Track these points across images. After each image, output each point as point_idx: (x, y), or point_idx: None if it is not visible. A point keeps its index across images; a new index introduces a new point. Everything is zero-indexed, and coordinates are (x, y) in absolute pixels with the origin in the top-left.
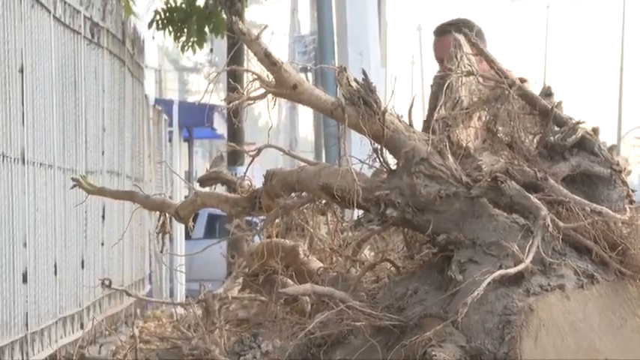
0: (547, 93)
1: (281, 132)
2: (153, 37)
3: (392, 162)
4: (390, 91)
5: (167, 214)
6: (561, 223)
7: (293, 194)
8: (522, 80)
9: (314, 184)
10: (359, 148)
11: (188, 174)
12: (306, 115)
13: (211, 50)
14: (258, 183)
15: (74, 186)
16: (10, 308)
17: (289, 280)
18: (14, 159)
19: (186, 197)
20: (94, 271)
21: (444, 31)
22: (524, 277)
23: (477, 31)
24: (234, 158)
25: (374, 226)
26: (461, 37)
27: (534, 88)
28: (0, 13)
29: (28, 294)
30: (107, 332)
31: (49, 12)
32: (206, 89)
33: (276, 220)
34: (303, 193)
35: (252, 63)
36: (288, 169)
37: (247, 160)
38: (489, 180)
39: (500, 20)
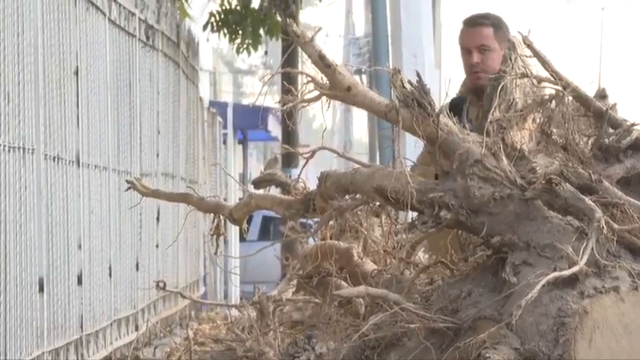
0: (602, 95)
1: (335, 134)
2: (207, 40)
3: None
4: (444, 92)
5: (221, 217)
6: (616, 225)
7: (347, 196)
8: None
9: (368, 186)
10: (413, 150)
11: (242, 176)
12: (360, 117)
13: (266, 52)
14: (312, 185)
15: (129, 188)
16: (65, 310)
17: (343, 282)
18: (69, 161)
19: (240, 199)
20: (149, 273)
21: (475, 23)
22: (579, 279)
23: (507, 30)
24: (289, 160)
25: (428, 228)
26: (515, 38)
27: (589, 90)
28: (55, 16)
29: (83, 296)
30: (162, 334)
31: (104, 14)
32: (260, 91)
33: (330, 222)
34: (357, 195)
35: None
36: (342, 171)
37: (301, 162)
38: (544, 182)
39: (555, 22)
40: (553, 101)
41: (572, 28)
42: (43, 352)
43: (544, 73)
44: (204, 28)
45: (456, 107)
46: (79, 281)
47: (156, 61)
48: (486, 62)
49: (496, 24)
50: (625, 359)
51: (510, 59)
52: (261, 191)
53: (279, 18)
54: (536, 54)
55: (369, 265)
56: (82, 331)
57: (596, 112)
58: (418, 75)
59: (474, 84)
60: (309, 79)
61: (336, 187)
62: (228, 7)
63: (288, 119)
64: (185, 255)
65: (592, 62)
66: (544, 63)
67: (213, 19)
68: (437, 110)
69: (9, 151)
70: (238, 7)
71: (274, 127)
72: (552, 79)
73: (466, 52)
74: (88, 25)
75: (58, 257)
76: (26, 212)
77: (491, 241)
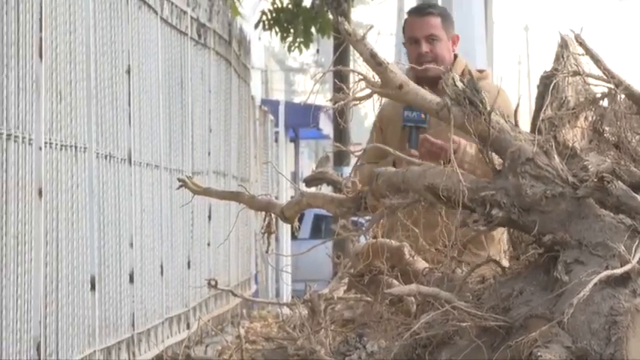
0: None
1: None
2: (259, 38)
3: (498, 162)
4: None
5: (273, 215)
6: None
7: (398, 194)
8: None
9: (419, 184)
10: None
11: (294, 174)
12: None
13: (317, 51)
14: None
15: (180, 186)
16: (117, 308)
17: (395, 281)
18: (121, 159)
19: (291, 198)
20: (200, 272)
21: (423, 13)
22: (631, 277)
23: (452, 21)
24: (340, 158)
25: (480, 226)
26: (567, 36)
27: None
28: (107, 15)
29: (134, 294)
30: (213, 332)
31: (156, 13)
32: (312, 89)
33: (382, 221)
34: (409, 194)
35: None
36: (394, 170)
37: (353, 160)
38: (596, 180)
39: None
40: (605, 99)
41: (624, 26)
42: (95, 351)
43: (596, 71)
44: (256, 26)
45: None
46: (131, 279)
47: (208, 59)
48: (435, 51)
49: (443, 14)
50: None
51: (562, 57)
52: (312, 189)
53: (330, 16)
54: (589, 52)
55: (421, 264)
56: (134, 329)
57: None
58: (470, 73)
59: (422, 75)
60: (361, 77)
61: (387, 185)
62: (280, 5)
63: (340, 117)
64: (237, 253)
65: None
66: (596, 61)
67: (264, 17)
68: (488, 108)
69: (61, 149)
70: (290, 6)
71: (326, 126)
72: (604, 77)
73: (414, 41)
74: (140, 23)
75: (110, 255)
76: (78, 211)
77: (543, 240)
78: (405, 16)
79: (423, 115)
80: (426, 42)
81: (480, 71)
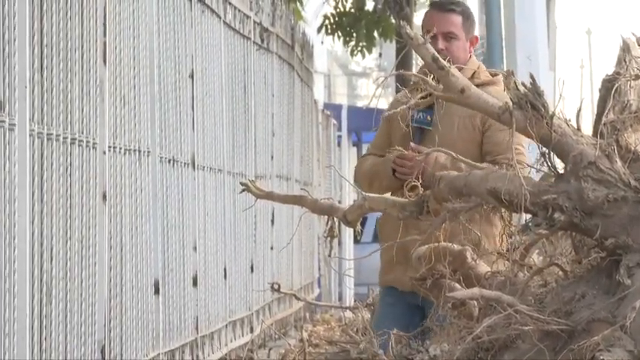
0: None
1: None
2: (322, 42)
3: (560, 166)
4: (558, 94)
5: (335, 219)
6: None
7: (460, 198)
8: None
9: (481, 188)
10: (527, 152)
11: None
12: None
13: (380, 55)
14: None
15: (243, 190)
16: (181, 312)
17: (457, 285)
18: (184, 163)
19: (354, 201)
20: (264, 275)
21: (446, 9)
22: None
23: (474, 22)
24: None
25: (542, 230)
26: (629, 40)
27: None
28: (171, 19)
29: (198, 298)
30: (276, 336)
31: (220, 17)
32: (374, 93)
33: (444, 225)
34: (471, 197)
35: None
36: (456, 173)
37: None
38: None
39: None
40: None
41: None
42: (159, 354)
43: None
44: (319, 30)
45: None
46: (195, 283)
47: (270, 63)
48: (451, 50)
49: (466, 13)
50: None
51: (624, 61)
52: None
53: (393, 20)
54: None
55: (483, 268)
56: (198, 332)
57: None
58: (532, 77)
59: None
60: (423, 81)
61: (449, 189)
62: (342, 9)
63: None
64: (299, 257)
65: None
66: None
67: (327, 21)
68: (551, 112)
69: (125, 153)
70: (353, 10)
71: None
72: None
73: (432, 36)
74: (204, 28)
75: (174, 259)
76: (142, 214)
77: (605, 243)
78: (428, 11)
79: (429, 118)
80: (443, 39)
81: (493, 74)
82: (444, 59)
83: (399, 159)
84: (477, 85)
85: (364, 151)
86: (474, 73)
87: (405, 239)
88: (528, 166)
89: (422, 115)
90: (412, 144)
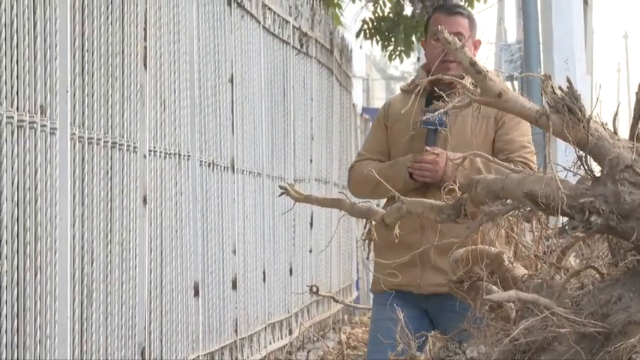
0: None
1: None
2: (360, 47)
3: (596, 169)
4: (595, 98)
5: (373, 222)
6: None
7: (498, 201)
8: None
9: (518, 191)
10: (564, 155)
11: None
12: None
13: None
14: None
15: (282, 194)
16: (220, 314)
17: (494, 287)
18: (224, 167)
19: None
20: (302, 278)
21: (453, 12)
22: None
23: (477, 26)
24: None
25: (578, 233)
26: None
27: None
28: (210, 25)
29: (237, 300)
30: (315, 338)
31: (259, 22)
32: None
33: (481, 227)
34: (508, 201)
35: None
36: (493, 177)
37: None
38: None
39: None
40: None
41: None
42: (199, 356)
43: None
44: (357, 35)
45: (438, 98)
46: (234, 286)
47: (309, 67)
48: None
49: (471, 17)
50: None
51: None
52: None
53: None
54: None
55: (520, 270)
56: (237, 334)
57: None
58: (569, 81)
59: (440, 74)
60: (461, 85)
61: (486, 192)
62: (381, 14)
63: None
64: (338, 260)
65: None
66: None
67: (366, 26)
68: (587, 116)
69: (165, 157)
70: (391, 15)
71: None
72: None
73: (436, 38)
74: (243, 32)
75: (214, 262)
76: (182, 218)
77: None
78: (435, 14)
79: (445, 119)
80: None
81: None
82: (451, 61)
83: (418, 162)
84: None
85: None
86: None
87: (436, 243)
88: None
89: (437, 117)
90: (427, 147)
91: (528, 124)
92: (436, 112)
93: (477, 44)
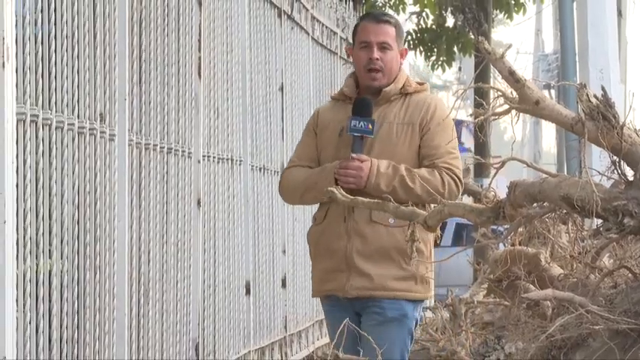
0: None
1: (525, 145)
2: None
3: (629, 174)
4: (628, 106)
5: (417, 224)
6: None
7: (535, 204)
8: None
9: (555, 194)
10: (598, 160)
11: None
12: (548, 129)
13: (459, 69)
14: (502, 194)
15: (329, 197)
16: (271, 312)
17: (531, 286)
18: (274, 172)
19: (434, 207)
20: None
21: (380, 20)
22: None
23: (403, 34)
24: (480, 170)
25: (612, 234)
26: None
27: None
28: (262, 36)
29: (286, 298)
30: None
31: (308, 34)
32: (454, 105)
33: (520, 229)
34: (545, 203)
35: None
36: (531, 181)
37: (492, 172)
38: None
39: None
40: None
41: None
42: (250, 351)
43: None
44: None
45: (365, 107)
46: (283, 284)
47: None
48: (385, 60)
49: (397, 25)
50: None
51: None
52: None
53: (472, 36)
54: None
55: (556, 270)
56: (286, 331)
57: None
58: (603, 90)
59: (367, 84)
60: (500, 93)
61: (524, 195)
62: (424, 26)
63: (480, 131)
64: None
65: None
66: None
67: (409, 37)
68: (621, 123)
69: (218, 162)
70: (434, 26)
71: (467, 139)
72: None
73: (366, 46)
74: (293, 44)
75: (264, 262)
76: (234, 220)
77: None
78: (362, 22)
79: (370, 126)
80: (378, 49)
81: (420, 83)
82: (378, 69)
83: (343, 168)
84: (410, 93)
85: None
86: (405, 82)
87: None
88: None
89: (363, 124)
90: (353, 154)
91: (453, 129)
92: (360, 120)
93: (402, 53)
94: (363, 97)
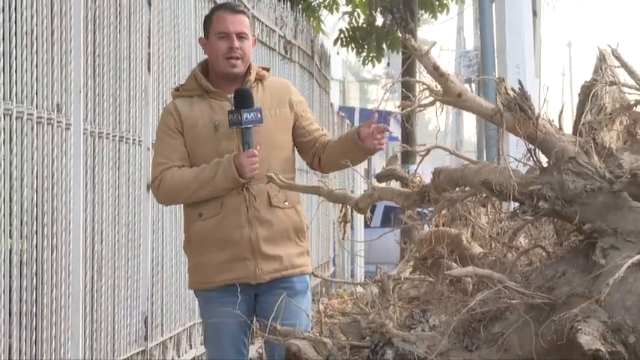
0: None
1: (448, 135)
2: (337, 53)
3: (544, 160)
4: (543, 98)
5: (348, 206)
6: None
7: (457, 189)
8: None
9: (476, 179)
10: (515, 148)
11: (367, 171)
12: (469, 120)
13: (388, 64)
14: (427, 179)
15: (268, 182)
16: None
17: (454, 264)
18: None
19: (365, 191)
20: None
21: (237, 11)
22: None
23: (251, 22)
24: (407, 157)
25: (528, 216)
26: (605, 51)
27: None
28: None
29: None
30: None
31: None
32: (383, 97)
33: (443, 211)
34: (466, 188)
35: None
36: (454, 167)
37: (418, 159)
38: (630, 176)
39: None
40: (638, 106)
41: None
42: (195, 324)
43: (630, 82)
44: (335, 42)
45: (249, 98)
46: None
47: (293, 71)
48: (243, 49)
49: (249, 16)
50: None
51: (601, 69)
52: (383, 184)
53: (399, 34)
54: (624, 64)
55: (477, 249)
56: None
57: None
58: (520, 83)
59: (227, 71)
60: (425, 86)
61: (448, 180)
62: (355, 24)
63: (407, 122)
64: (317, 239)
65: None
66: (630, 72)
67: (342, 35)
68: (536, 114)
69: None
70: (364, 25)
71: (395, 129)
72: (638, 86)
73: (225, 36)
74: None
75: None
76: None
77: (583, 228)
78: (218, 12)
79: (259, 115)
80: (237, 38)
81: (265, 69)
82: (238, 57)
83: (250, 157)
84: (260, 78)
85: None
86: (250, 65)
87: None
88: (516, 160)
89: (253, 115)
90: (248, 144)
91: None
92: (250, 112)
93: (254, 42)
94: (242, 88)
